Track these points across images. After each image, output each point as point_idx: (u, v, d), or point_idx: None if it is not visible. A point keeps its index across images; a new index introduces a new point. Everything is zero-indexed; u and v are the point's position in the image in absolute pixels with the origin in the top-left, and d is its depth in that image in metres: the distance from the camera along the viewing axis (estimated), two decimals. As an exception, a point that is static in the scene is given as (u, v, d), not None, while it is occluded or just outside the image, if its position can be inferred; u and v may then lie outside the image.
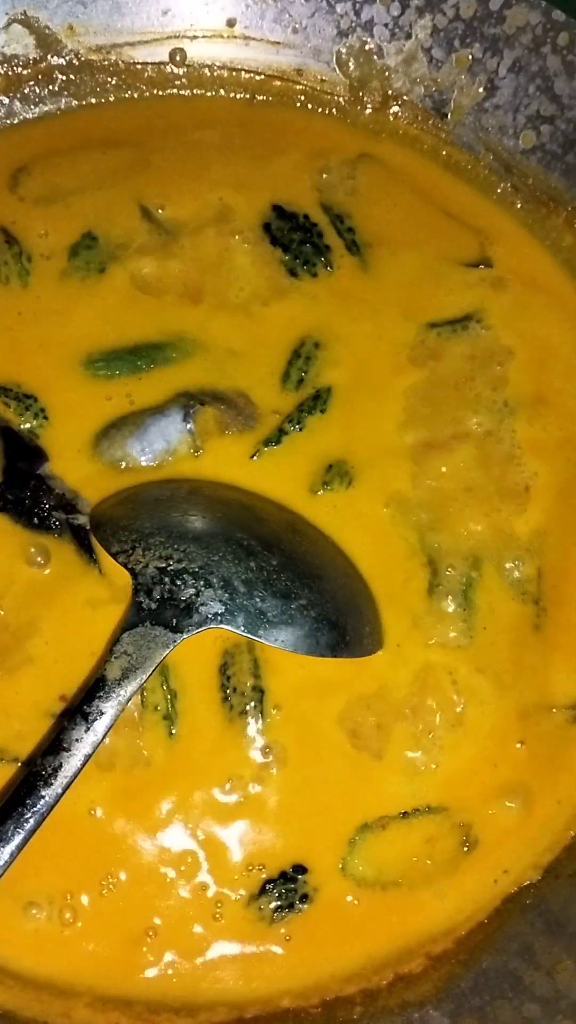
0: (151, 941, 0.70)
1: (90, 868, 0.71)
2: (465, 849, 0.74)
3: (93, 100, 0.96)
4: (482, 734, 0.76)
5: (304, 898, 0.71)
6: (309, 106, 0.97)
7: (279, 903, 0.71)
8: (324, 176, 0.92)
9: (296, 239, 0.87)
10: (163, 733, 0.73)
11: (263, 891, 0.71)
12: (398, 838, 0.73)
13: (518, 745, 0.76)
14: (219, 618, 0.68)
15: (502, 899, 0.74)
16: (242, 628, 0.68)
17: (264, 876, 0.71)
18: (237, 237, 0.87)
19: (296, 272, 0.86)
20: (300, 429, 0.80)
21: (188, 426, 0.77)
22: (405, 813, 0.73)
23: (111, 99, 0.96)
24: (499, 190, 0.94)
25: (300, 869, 0.72)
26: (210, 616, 0.68)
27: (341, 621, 0.71)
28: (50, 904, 0.70)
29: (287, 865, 0.72)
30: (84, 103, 0.95)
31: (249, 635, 0.69)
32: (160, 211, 0.88)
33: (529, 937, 0.72)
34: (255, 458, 0.79)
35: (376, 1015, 0.70)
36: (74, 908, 0.70)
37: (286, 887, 0.71)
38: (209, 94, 0.97)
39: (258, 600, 0.69)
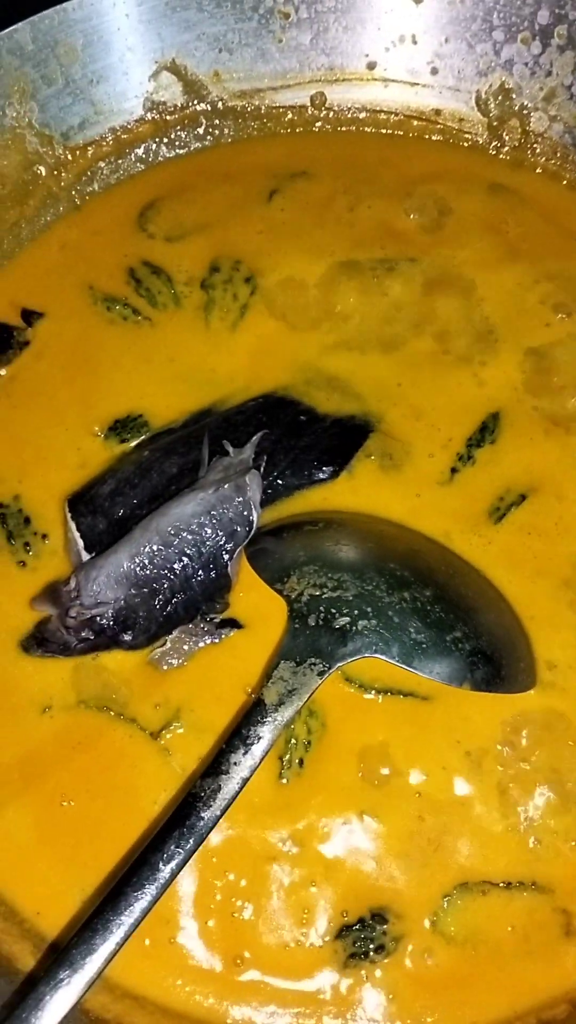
0: (242, 966, 0.68)
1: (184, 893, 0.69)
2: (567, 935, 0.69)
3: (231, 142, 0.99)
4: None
5: (380, 949, 0.68)
6: (448, 142, 0.98)
7: (354, 951, 0.68)
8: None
9: None
10: (276, 770, 0.71)
11: (339, 935, 0.68)
12: (496, 906, 0.69)
13: None
14: (374, 647, 0.68)
15: None
16: (396, 658, 0.68)
17: (345, 920, 0.68)
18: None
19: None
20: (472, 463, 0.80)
21: None
22: (508, 884, 0.69)
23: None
24: None
25: (380, 919, 0.68)
26: (365, 645, 0.68)
27: (496, 655, 0.70)
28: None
29: (367, 912, 0.68)
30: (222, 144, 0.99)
31: (404, 666, 0.68)
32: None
33: None
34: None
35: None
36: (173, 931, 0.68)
37: (364, 934, 0.68)
38: (349, 129, 1.00)
39: (412, 631, 0.69)
